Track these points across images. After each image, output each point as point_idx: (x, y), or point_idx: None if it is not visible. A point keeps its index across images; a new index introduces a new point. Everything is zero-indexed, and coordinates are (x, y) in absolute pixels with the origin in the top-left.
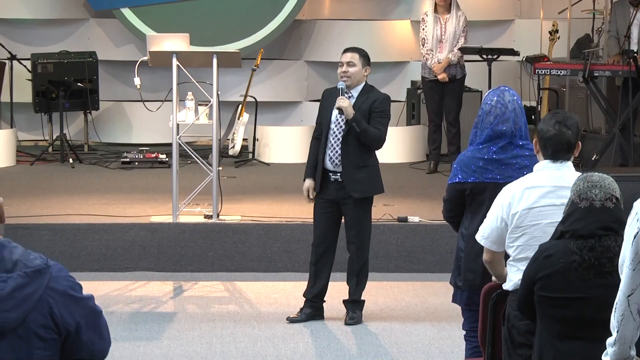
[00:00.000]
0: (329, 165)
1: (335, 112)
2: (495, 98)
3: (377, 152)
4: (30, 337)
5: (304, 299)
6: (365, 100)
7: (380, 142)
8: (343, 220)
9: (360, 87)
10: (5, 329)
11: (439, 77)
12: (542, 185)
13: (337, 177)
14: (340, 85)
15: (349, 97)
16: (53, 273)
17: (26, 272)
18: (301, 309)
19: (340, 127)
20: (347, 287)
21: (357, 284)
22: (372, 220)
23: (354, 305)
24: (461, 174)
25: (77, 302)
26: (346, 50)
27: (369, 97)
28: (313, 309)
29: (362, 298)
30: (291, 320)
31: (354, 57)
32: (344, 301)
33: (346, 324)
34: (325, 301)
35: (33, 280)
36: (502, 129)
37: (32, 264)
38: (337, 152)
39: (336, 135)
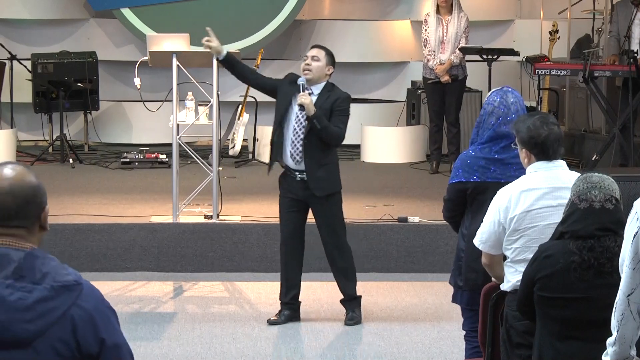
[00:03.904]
0: (290, 162)
1: (295, 108)
2: (498, 99)
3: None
4: (48, 352)
5: (280, 302)
6: (327, 99)
7: (339, 139)
8: (314, 221)
9: (322, 85)
10: (23, 340)
11: (443, 79)
12: (538, 187)
13: (304, 176)
14: (301, 81)
15: (310, 93)
16: (84, 292)
17: (53, 286)
18: (280, 312)
19: (302, 124)
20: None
21: (347, 280)
22: (372, 221)
23: (352, 304)
24: (463, 173)
25: (105, 326)
26: (313, 47)
27: (331, 96)
28: (291, 310)
29: (358, 294)
30: (271, 323)
31: (319, 53)
32: (341, 301)
33: (346, 324)
34: (300, 302)
35: (59, 294)
36: (504, 130)
37: (62, 279)
38: (298, 149)
39: (297, 133)
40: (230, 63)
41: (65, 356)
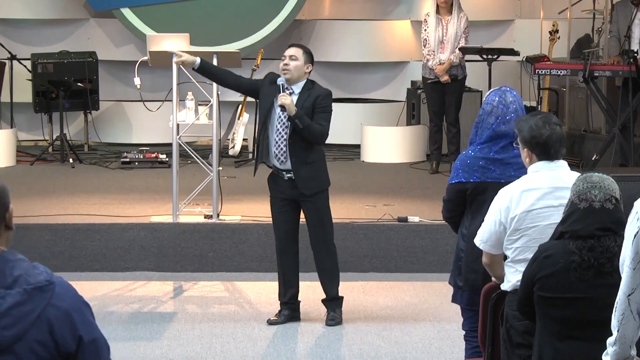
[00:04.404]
0: (275, 162)
1: (277, 109)
2: (496, 99)
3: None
4: (27, 355)
5: (279, 302)
6: (308, 97)
7: (323, 137)
8: (304, 220)
9: (302, 84)
10: (2, 346)
11: (442, 79)
12: (539, 187)
13: (291, 175)
14: (280, 81)
15: (290, 93)
16: (57, 290)
17: (25, 289)
18: (279, 311)
19: (284, 125)
20: (345, 287)
21: (332, 280)
22: (372, 221)
23: (334, 304)
24: (463, 174)
25: (82, 323)
26: (290, 46)
27: (312, 93)
28: (291, 310)
29: (340, 294)
30: (271, 323)
31: (297, 52)
32: (323, 300)
33: (327, 324)
34: (300, 301)
35: (32, 297)
36: (504, 130)
37: (35, 280)
38: (282, 149)
39: (280, 133)
40: (206, 70)
41: (44, 357)
